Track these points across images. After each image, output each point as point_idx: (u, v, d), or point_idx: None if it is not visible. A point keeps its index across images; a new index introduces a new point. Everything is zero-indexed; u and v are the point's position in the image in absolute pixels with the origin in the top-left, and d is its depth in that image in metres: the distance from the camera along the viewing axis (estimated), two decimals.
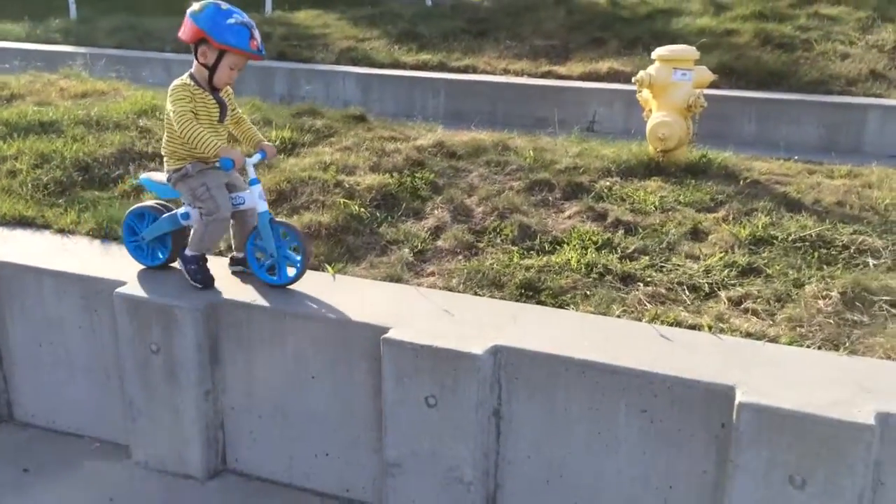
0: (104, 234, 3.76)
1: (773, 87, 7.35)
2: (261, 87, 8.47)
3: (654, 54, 5.11)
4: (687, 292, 3.32)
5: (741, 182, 4.60)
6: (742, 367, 2.56)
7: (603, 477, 2.64)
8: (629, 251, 3.69)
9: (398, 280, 3.41)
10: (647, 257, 3.64)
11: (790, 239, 3.78)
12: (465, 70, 8.53)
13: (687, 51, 5.07)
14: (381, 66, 8.79)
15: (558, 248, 3.75)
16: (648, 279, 3.41)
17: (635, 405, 2.53)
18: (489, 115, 7.71)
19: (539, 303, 3.25)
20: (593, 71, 8.10)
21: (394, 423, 2.78)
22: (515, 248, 3.75)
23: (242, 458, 3.18)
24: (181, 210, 3.19)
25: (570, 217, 4.16)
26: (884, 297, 3.21)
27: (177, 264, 3.31)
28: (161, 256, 3.31)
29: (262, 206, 3.07)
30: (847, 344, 2.88)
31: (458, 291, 3.33)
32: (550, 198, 4.39)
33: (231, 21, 2.88)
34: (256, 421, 3.11)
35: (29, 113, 5.11)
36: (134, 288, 3.10)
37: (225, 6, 2.92)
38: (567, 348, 2.66)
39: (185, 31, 2.95)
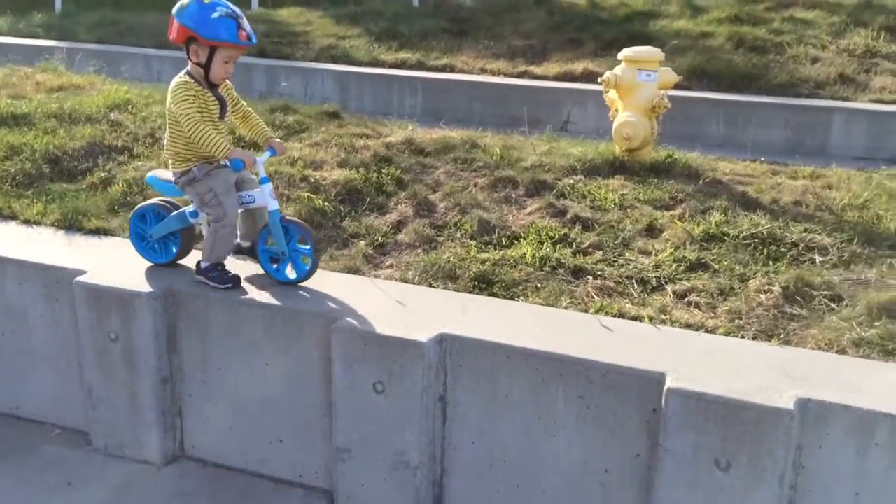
0: (69, 224, 3.83)
1: (743, 90, 7.47)
2: (240, 83, 8.43)
3: (619, 55, 5.21)
4: (635, 286, 3.42)
5: (701, 181, 4.71)
6: (676, 355, 2.66)
7: (543, 461, 2.73)
8: (584, 246, 3.79)
9: (356, 272, 3.49)
10: (600, 252, 3.74)
11: (741, 236, 3.88)
12: (442, 69, 8.61)
13: (651, 52, 5.17)
14: (360, 64, 8.86)
15: (515, 242, 3.84)
16: (599, 273, 3.51)
17: (573, 391, 2.63)
18: (466, 113, 7.80)
19: (491, 295, 3.34)
20: (568, 71, 8.21)
21: (343, 410, 2.86)
22: (473, 243, 3.83)
23: (199, 444, 3.26)
24: (190, 208, 3.17)
25: (531, 213, 4.25)
26: (824, 292, 3.32)
27: (181, 257, 3.35)
28: (167, 255, 3.31)
29: (274, 205, 3.05)
30: (782, 335, 2.98)
31: (414, 283, 3.42)
32: (514, 194, 4.48)
33: (216, 14, 2.82)
34: (213, 408, 3.18)
35: (2, 105, 5.16)
36: (93, 277, 3.17)
37: (209, 0, 2.85)
38: (510, 337, 2.75)
39: (173, 31, 2.90)
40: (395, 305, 3.03)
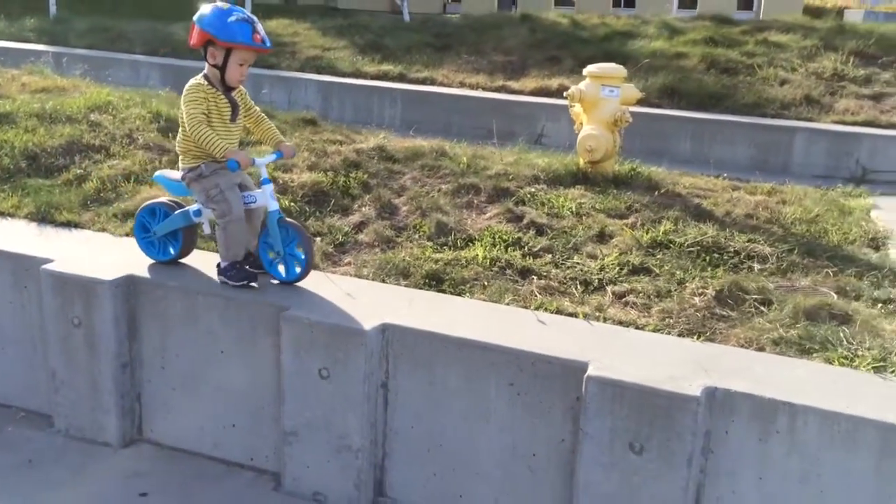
0: (41, 217, 3.99)
1: (711, 109, 7.69)
2: None
3: (584, 71, 5.43)
4: (578, 286, 3.60)
5: (656, 193, 4.91)
6: (601, 348, 2.83)
7: (477, 445, 2.89)
8: (535, 249, 3.97)
9: (314, 268, 3.66)
10: (550, 255, 3.92)
11: (687, 244, 4.07)
12: (423, 81, 8.82)
13: (615, 69, 5.39)
14: (344, 74, 9.07)
15: (470, 244, 4.02)
16: (545, 274, 3.69)
17: (504, 379, 2.79)
18: (444, 125, 8.00)
19: (440, 291, 3.52)
20: (545, 87, 8.43)
21: (291, 395, 3.02)
22: (430, 244, 4.01)
23: (157, 428, 3.40)
24: (193, 207, 3.28)
25: (490, 218, 4.43)
26: (755, 297, 3.50)
27: (181, 257, 3.46)
28: (172, 252, 3.40)
29: (273, 206, 3.17)
30: (707, 333, 3.16)
31: (367, 279, 3.59)
32: (475, 200, 4.66)
33: (232, 19, 2.98)
34: (170, 393, 3.33)
35: None
36: (60, 265, 3.33)
37: (226, 6, 3.04)
38: (448, 328, 2.92)
39: (193, 36, 3.07)
40: (345, 298, 3.20)
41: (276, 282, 3.30)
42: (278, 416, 3.11)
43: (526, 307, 3.32)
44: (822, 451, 2.43)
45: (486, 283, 3.56)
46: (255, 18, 3.08)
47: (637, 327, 3.17)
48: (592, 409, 2.59)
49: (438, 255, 3.85)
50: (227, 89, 3.15)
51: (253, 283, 3.21)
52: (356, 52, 9.88)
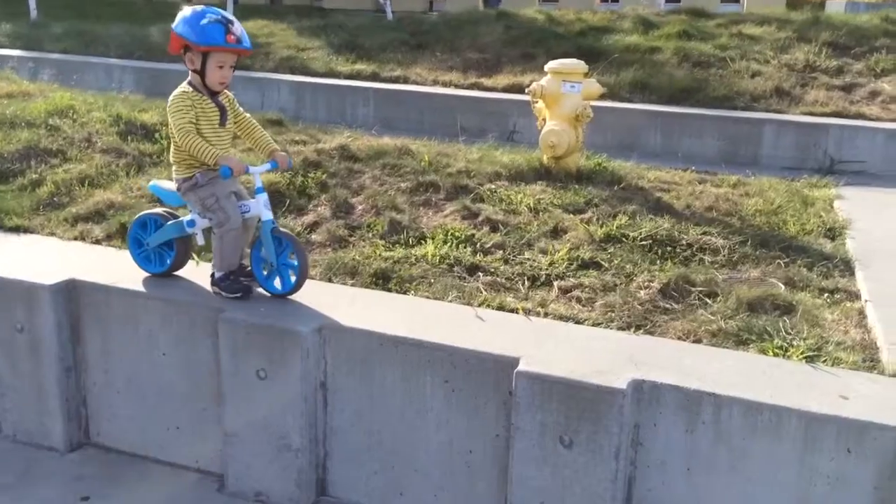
0: None
1: (682, 102, 7.69)
2: None
3: (546, 67, 5.43)
4: (526, 282, 3.60)
5: (617, 187, 4.91)
6: (537, 343, 2.83)
7: (415, 443, 2.89)
8: (487, 246, 3.97)
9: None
10: (501, 251, 3.92)
11: (640, 238, 4.07)
12: (396, 80, 8.81)
13: (575, 65, 5.39)
14: (317, 74, 9.05)
15: (423, 242, 4.02)
16: (493, 270, 3.69)
17: (439, 376, 2.80)
18: (417, 123, 7.99)
19: (386, 290, 3.52)
20: (517, 84, 8.41)
21: (230, 396, 3.02)
22: (382, 242, 4.01)
23: (104, 431, 3.40)
24: (187, 218, 3.22)
25: (446, 215, 4.43)
26: (701, 289, 3.51)
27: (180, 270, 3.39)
28: (166, 262, 3.33)
29: (267, 215, 3.10)
30: (648, 326, 3.17)
31: (314, 279, 3.58)
32: (434, 198, 4.66)
33: (205, 21, 2.93)
34: (115, 396, 3.33)
35: None
36: (2, 270, 3.32)
37: (200, 8, 2.98)
38: (386, 326, 2.92)
39: (171, 43, 3.04)
40: (286, 299, 3.19)
41: (268, 295, 3.20)
42: (220, 418, 3.11)
43: (469, 304, 3.32)
44: (747, 441, 2.44)
45: (432, 281, 3.56)
46: (230, 18, 3.02)
47: (577, 322, 3.17)
48: (523, 404, 2.59)
49: (389, 254, 3.85)
50: (213, 94, 3.10)
51: (248, 295, 3.14)
52: (331, 52, 9.86)
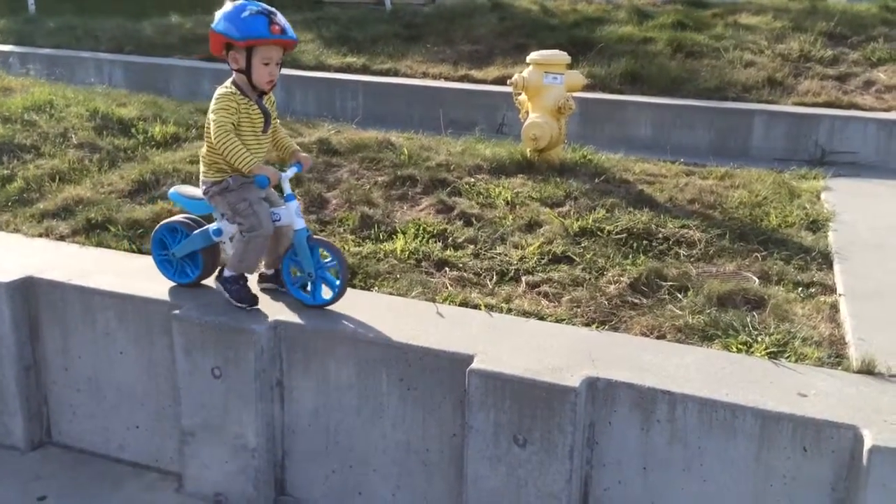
0: None
1: (673, 94, 7.59)
2: (186, 88, 8.66)
3: (528, 59, 5.36)
4: (494, 277, 3.53)
5: (598, 180, 4.84)
6: (495, 340, 2.77)
7: (373, 442, 2.84)
8: (459, 241, 3.91)
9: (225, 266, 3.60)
10: (473, 246, 3.86)
11: (616, 231, 4.00)
12: (386, 73, 8.73)
13: (557, 56, 5.31)
14: (307, 68, 8.98)
15: (393, 237, 3.96)
16: (461, 265, 3.62)
17: (395, 374, 2.74)
18: (406, 116, 7.91)
19: (350, 286, 3.45)
20: (507, 75, 8.29)
21: (186, 395, 2.97)
22: (352, 237, 3.95)
23: (65, 430, 3.36)
24: (213, 226, 3.04)
25: (422, 209, 4.37)
26: (672, 284, 3.44)
27: (210, 282, 3.21)
28: (190, 274, 3.16)
29: (300, 223, 2.93)
30: (613, 322, 3.10)
31: None
32: (410, 192, 4.60)
33: (245, 14, 2.73)
34: (75, 395, 3.29)
35: None
36: None
37: (239, 2, 2.77)
38: (342, 324, 2.86)
39: (211, 44, 2.86)
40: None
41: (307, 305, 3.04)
42: (178, 417, 3.06)
43: (433, 300, 3.26)
44: (702, 439, 2.37)
45: (398, 277, 3.50)
46: (272, 9, 2.80)
47: (540, 318, 3.10)
48: (476, 402, 2.53)
49: (357, 249, 3.80)
50: (259, 96, 2.91)
51: (254, 307, 2.97)
52: (323, 45, 9.79)
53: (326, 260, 2.99)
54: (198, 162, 4.70)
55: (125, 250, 3.69)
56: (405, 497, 2.83)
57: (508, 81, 5.42)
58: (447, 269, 3.58)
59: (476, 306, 3.18)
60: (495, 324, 2.96)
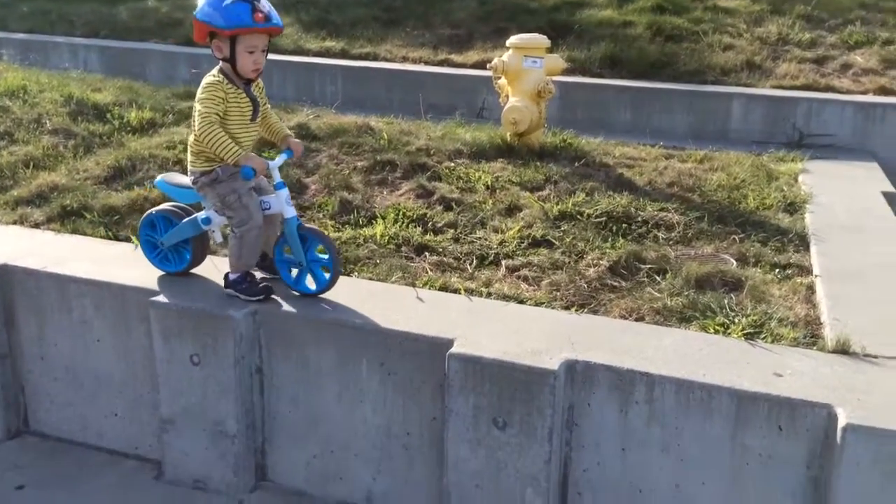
0: None
1: (652, 77, 7.60)
2: (163, 72, 8.55)
3: (507, 42, 5.34)
4: (474, 261, 3.53)
5: (578, 164, 4.85)
6: (474, 324, 2.77)
7: (353, 427, 2.84)
8: (439, 225, 3.90)
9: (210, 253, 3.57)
10: (453, 230, 3.85)
11: (596, 215, 4.02)
12: (365, 57, 8.67)
13: (537, 39, 5.30)
14: (285, 52, 8.89)
15: (373, 222, 3.94)
16: (441, 250, 3.62)
17: (375, 359, 2.74)
18: (386, 101, 7.87)
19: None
20: (487, 59, 8.21)
21: (165, 382, 2.95)
22: (332, 222, 3.93)
23: (42, 419, 3.33)
24: (202, 214, 2.99)
25: (402, 194, 4.36)
26: (651, 266, 3.46)
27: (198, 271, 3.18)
28: (178, 263, 3.12)
29: (290, 212, 2.89)
30: (592, 305, 3.12)
31: None
32: (390, 177, 4.58)
33: (228, 1, 2.65)
34: (52, 384, 3.26)
35: None
36: None
37: None
38: (322, 309, 2.85)
39: (195, 32, 2.78)
40: (220, 282, 3.10)
41: (296, 293, 3.00)
42: (157, 404, 3.05)
43: (413, 285, 3.26)
44: (679, 419, 2.40)
45: (378, 262, 3.49)
46: None
47: (520, 301, 3.11)
48: (456, 386, 2.54)
49: (337, 234, 3.78)
50: (246, 84, 2.84)
51: (269, 297, 2.93)
52: (301, 29, 9.69)
53: (322, 256, 2.95)
54: (174, 148, 4.71)
55: (101, 237, 3.65)
56: (386, 481, 2.84)
57: (488, 65, 5.41)
58: (427, 253, 3.57)
59: (456, 291, 3.18)
60: (475, 308, 2.96)
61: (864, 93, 7.00)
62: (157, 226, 3.12)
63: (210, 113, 2.75)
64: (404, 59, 8.66)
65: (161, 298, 2.90)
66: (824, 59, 7.91)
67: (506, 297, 3.14)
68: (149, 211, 3.18)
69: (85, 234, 3.67)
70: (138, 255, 3.42)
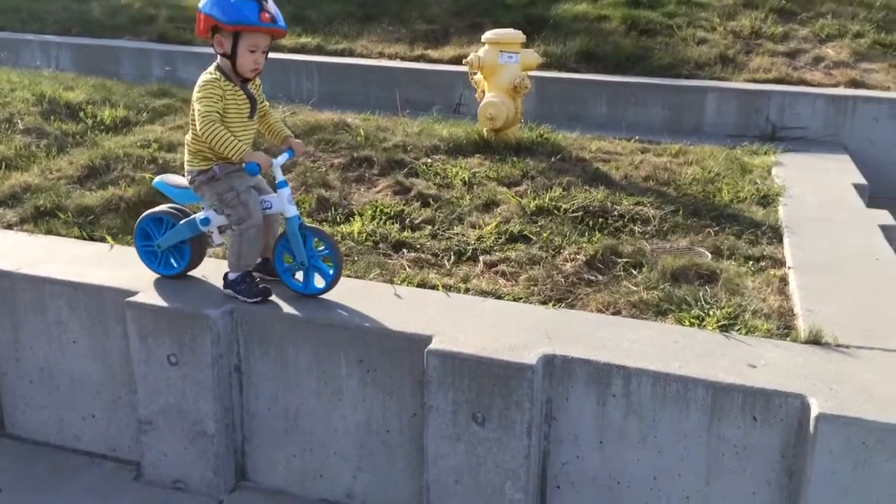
0: None
1: (627, 71, 7.65)
2: (137, 70, 8.47)
3: (483, 38, 5.35)
4: (452, 257, 3.54)
5: (554, 159, 4.87)
6: (452, 320, 2.78)
7: (332, 424, 2.84)
8: (417, 222, 3.91)
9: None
10: (430, 227, 3.86)
11: (572, 209, 4.04)
12: (341, 53, 8.65)
13: (512, 35, 5.32)
14: None
15: (351, 219, 3.94)
16: (419, 246, 3.63)
17: (353, 356, 2.74)
18: (362, 97, 7.85)
19: None
20: (463, 55, 8.24)
21: (143, 382, 2.93)
22: (309, 220, 3.92)
23: (18, 422, 3.30)
24: (200, 215, 2.94)
25: (379, 191, 4.36)
26: (627, 260, 3.49)
27: (195, 272, 3.13)
28: (175, 265, 3.07)
29: (292, 211, 2.84)
30: (570, 299, 3.14)
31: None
32: (367, 174, 4.58)
33: None
34: (28, 386, 3.22)
35: None
36: None
37: None
38: (299, 307, 2.85)
39: (198, 24, 2.74)
40: (198, 282, 3.09)
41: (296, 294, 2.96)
42: (135, 405, 3.03)
43: (391, 282, 3.26)
44: (656, 411, 2.42)
45: (356, 259, 3.49)
46: None
47: (498, 297, 3.13)
48: (435, 382, 2.55)
49: None
50: (243, 81, 2.81)
51: (268, 298, 2.89)
52: None
53: (319, 248, 2.93)
54: (148, 146, 4.67)
55: (76, 237, 3.61)
56: (366, 478, 2.84)
57: (464, 61, 5.41)
58: (405, 250, 3.57)
59: (434, 287, 3.19)
60: (453, 304, 2.97)
61: (835, 85, 7.10)
62: (150, 232, 3.08)
63: (210, 111, 2.71)
64: (380, 55, 8.64)
65: (137, 298, 2.88)
66: (796, 53, 8.00)
67: (483, 293, 3.16)
68: (138, 220, 3.13)
69: (59, 234, 3.63)
70: (113, 254, 3.40)
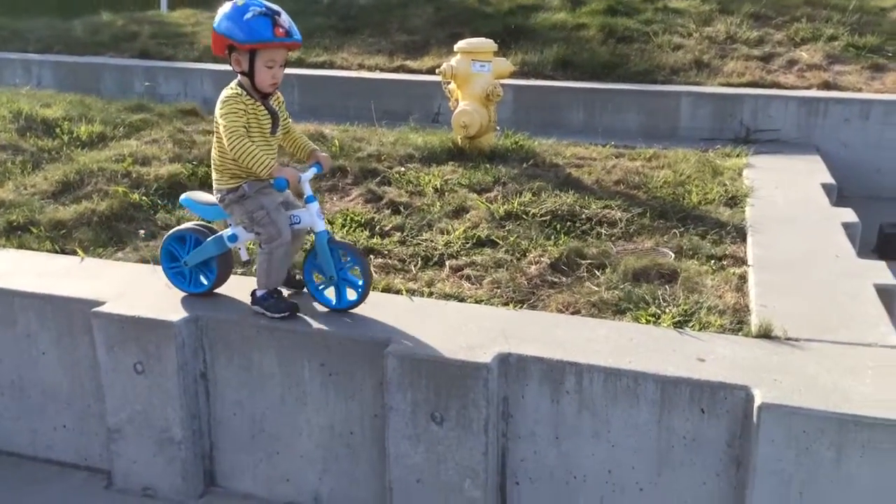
0: None
1: (604, 78, 7.74)
2: (118, 86, 8.53)
3: (455, 47, 5.43)
4: (419, 262, 3.60)
5: (527, 165, 4.94)
6: (413, 322, 2.83)
7: (297, 428, 2.89)
8: (387, 229, 3.96)
9: (148, 262, 3.59)
10: (400, 233, 3.92)
11: (542, 214, 4.10)
12: (321, 66, 8.72)
13: (484, 44, 5.39)
14: None
15: None
16: (387, 252, 3.68)
17: (316, 360, 2.79)
18: (342, 109, 7.91)
19: None
20: (441, 65, 8.38)
21: (110, 391, 2.98)
22: None
23: None
24: (228, 232, 2.95)
25: (351, 200, 4.41)
26: (591, 262, 3.55)
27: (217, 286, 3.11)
28: (205, 283, 3.06)
29: (320, 226, 2.85)
30: (532, 300, 3.20)
31: None
32: (341, 183, 4.64)
33: (248, 15, 2.63)
34: None
35: None
36: None
37: (241, 2, 2.67)
38: (262, 314, 2.89)
39: (214, 44, 2.76)
40: (165, 290, 3.13)
41: (324, 308, 2.96)
42: (104, 415, 3.07)
43: None
44: (608, 407, 2.48)
45: None
46: (276, 9, 2.72)
47: (460, 300, 3.18)
48: (394, 383, 2.60)
49: None
50: (264, 97, 2.82)
51: (295, 314, 2.88)
52: None
53: (346, 260, 2.93)
54: (123, 161, 4.72)
55: (48, 251, 3.66)
56: (331, 480, 2.89)
57: (437, 71, 5.49)
58: (373, 256, 3.63)
59: (398, 291, 3.24)
60: (415, 307, 3.02)
61: (808, 88, 7.20)
62: (175, 252, 3.08)
63: (237, 127, 2.71)
64: (360, 67, 8.72)
65: (103, 308, 2.93)
66: (771, 56, 8.11)
67: (447, 296, 3.21)
68: (162, 242, 3.13)
69: (31, 248, 3.68)
70: (84, 267, 3.45)
